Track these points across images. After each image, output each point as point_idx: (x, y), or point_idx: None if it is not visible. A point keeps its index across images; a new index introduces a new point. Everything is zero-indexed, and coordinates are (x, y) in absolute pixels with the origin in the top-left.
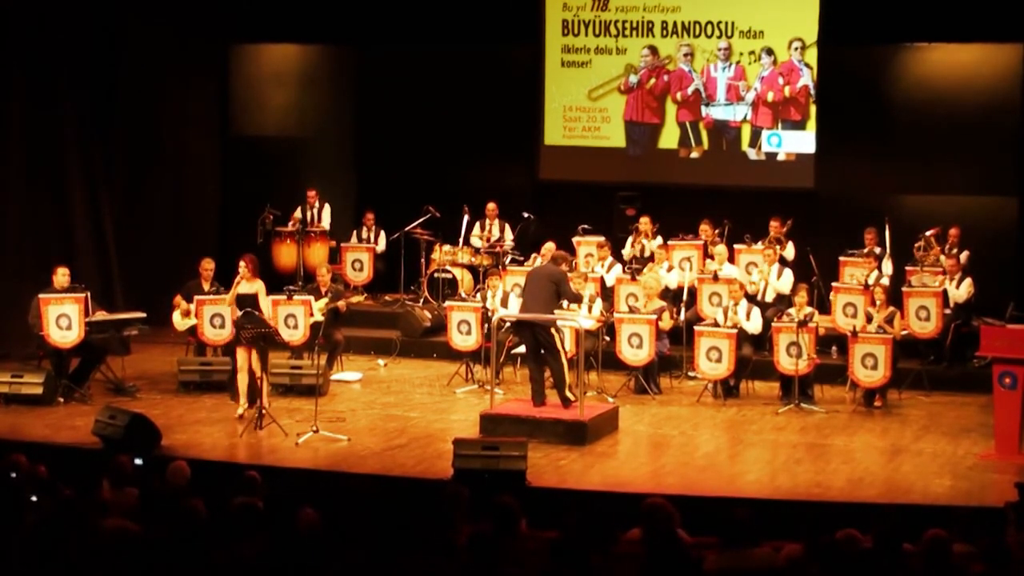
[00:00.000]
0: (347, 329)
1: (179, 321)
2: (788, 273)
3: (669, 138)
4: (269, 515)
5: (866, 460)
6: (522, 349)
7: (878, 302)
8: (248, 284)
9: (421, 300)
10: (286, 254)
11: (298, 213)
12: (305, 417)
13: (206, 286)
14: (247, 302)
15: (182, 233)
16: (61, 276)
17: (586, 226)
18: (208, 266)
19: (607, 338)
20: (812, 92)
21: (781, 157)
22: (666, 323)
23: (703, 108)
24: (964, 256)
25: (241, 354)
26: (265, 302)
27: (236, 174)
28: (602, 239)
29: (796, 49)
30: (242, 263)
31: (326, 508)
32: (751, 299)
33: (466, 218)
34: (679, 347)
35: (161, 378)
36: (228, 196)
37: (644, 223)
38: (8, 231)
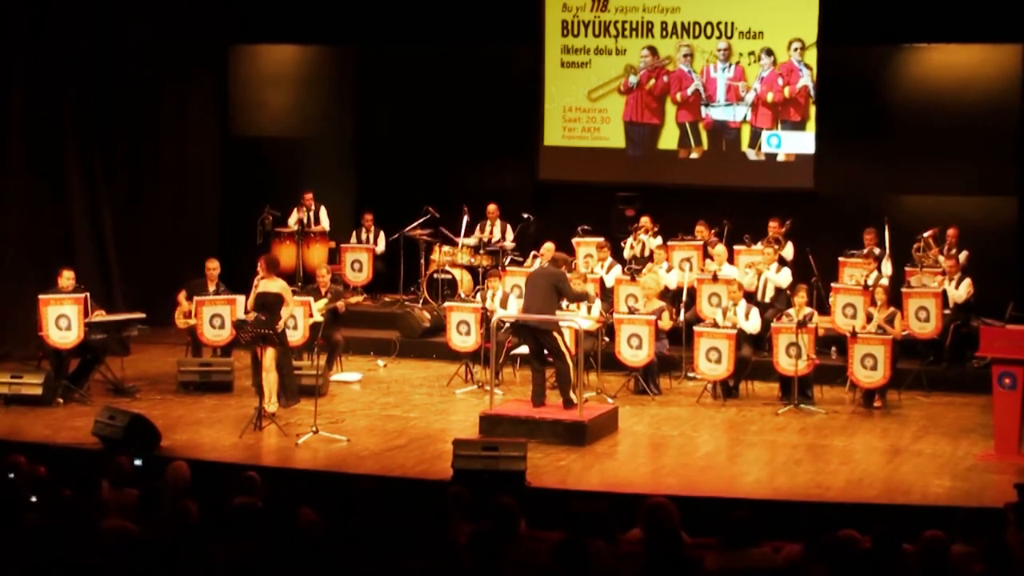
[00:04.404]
0: (347, 330)
1: (180, 321)
2: (787, 270)
3: (669, 139)
4: (269, 515)
5: (865, 461)
6: (522, 350)
7: (879, 302)
8: (268, 283)
9: (420, 301)
10: (285, 255)
11: (292, 220)
12: (305, 417)
13: (211, 286)
14: (269, 301)
15: (182, 233)
16: (66, 279)
17: (585, 227)
18: (212, 266)
19: (606, 339)
20: (812, 93)
21: (781, 158)
22: (665, 323)
23: (703, 109)
24: (963, 256)
25: (264, 354)
26: (292, 300)
27: (236, 174)
28: (601, 240)
29: (796, 50)
30: (259, 264)
31: (326, 509)
32: (750, 299)
33: (466, 218)
34: (678, 348)
35: (161, 378)
36: (228, 196)
37: (645, 221)
38: (8, 231)
